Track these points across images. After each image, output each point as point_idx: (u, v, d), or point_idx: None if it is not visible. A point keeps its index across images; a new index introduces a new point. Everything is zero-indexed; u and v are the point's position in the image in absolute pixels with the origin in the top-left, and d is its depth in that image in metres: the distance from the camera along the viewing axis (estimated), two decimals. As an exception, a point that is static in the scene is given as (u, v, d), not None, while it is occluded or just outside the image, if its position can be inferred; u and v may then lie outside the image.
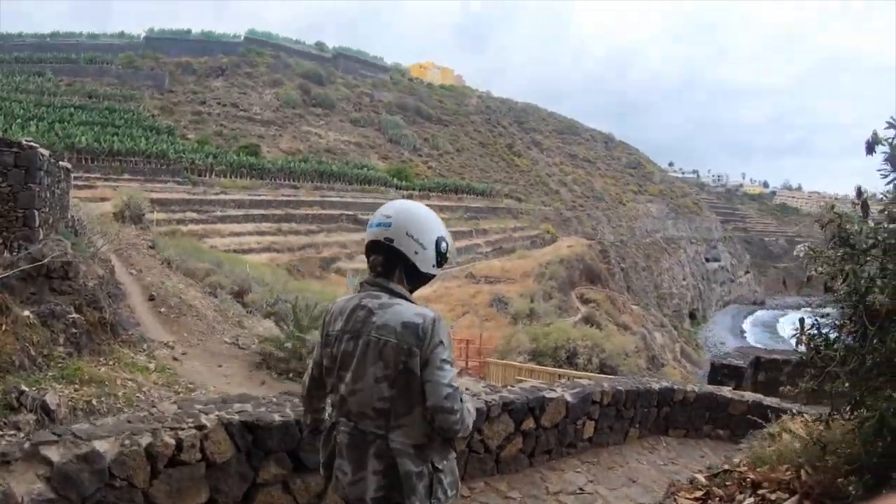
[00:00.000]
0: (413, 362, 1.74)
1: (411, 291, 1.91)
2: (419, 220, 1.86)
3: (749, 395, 6.12)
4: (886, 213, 1.71)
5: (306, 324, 6.93)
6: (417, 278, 1.91)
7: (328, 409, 2.01)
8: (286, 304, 8.10)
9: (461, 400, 1.79)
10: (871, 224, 1.84)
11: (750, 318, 59.70)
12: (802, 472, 2.09)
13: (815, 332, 1.84)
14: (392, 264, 1.85)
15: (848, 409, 1.78)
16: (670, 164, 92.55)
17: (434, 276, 1.93)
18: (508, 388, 4.34)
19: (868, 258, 1.75)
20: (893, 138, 1.77)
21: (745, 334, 52.38)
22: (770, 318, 60.13)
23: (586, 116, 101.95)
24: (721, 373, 8.71)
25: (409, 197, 35.21)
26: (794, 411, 3.93)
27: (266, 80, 51.90)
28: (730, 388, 6.92)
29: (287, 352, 6.77)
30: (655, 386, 5.49)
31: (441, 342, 1.77)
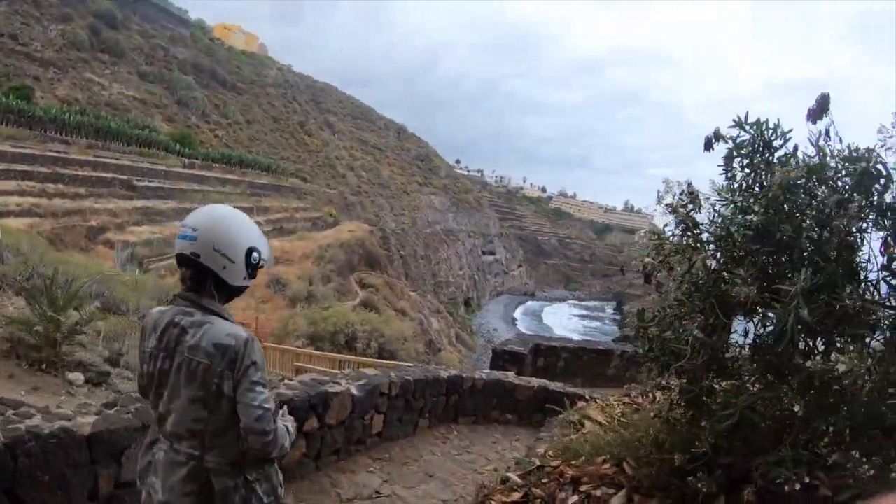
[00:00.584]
0: (226, 385, 1.70)
1: (225, 303, 1.84)
2: (226, 232, 1.76)
3: (535, 381, 6.33)
4: (734, 205, 1.69)
5: (62, 303, 5.55)
6: (229, 292, 1.83)
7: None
8: (42, 279, 6.49)
9: (274, 420, 1.75)
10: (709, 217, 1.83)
11: (521, 308, 64.21)
12: (626, 465, 2.04)
13: (658, 324, 1.77)
14: (201, 278, 1.77)
15: (683, 401, 1.74)
16: (457, 162, 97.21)
17: (247, 286, 1.85)
18: (286, 382, 3.88)
19: (713, 248, 1.72)
20: (736, 137, 1.77)
21: (517, 322, 56.15)
22: (538, 307, 65.78)
23: (385, 106, 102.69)
24: (503, 358, 9.02)
25: (191, 166, 32.21)
26: (588, 396, 4.10)
27: (55, 14, 42.63)
28: (513, 373, 7.16)
29: (39, 337, 5.35)
30: (444, 374, 5.41)
31: (253, 363, 1.72)
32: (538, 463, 2.54)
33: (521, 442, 5.02)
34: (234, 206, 1.91)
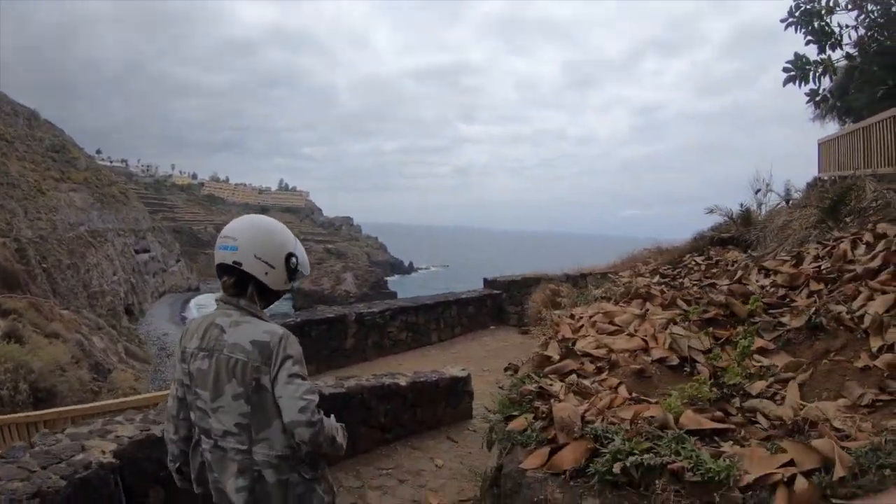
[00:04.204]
0: (264, 378, 1.81)
1: (266, 307, 1.99)
2: (265, 240, 1.92)
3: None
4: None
5: None
6: (270, 296, 1.99)
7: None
8: None
9: (319, 411, 1.82)
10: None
11: (191, 304, 61.98)
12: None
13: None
14: (243, 284, 1.92)
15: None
16: (98, 152, 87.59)
17: (288, 290, 2.01)
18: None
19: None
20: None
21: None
22: (206, 302, 61.46)
23: (12, 88, 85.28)
24: None
25: None
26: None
27: None
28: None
29: None
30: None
31: (289, 356, 1.82)
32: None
33: None
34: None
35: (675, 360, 3.22)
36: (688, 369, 3.16)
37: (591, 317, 4.11)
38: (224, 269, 1.94)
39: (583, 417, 2.30)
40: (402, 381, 5.45)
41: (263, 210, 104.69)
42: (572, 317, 4.27)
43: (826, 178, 9.06)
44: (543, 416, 2.44)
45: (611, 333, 3.71)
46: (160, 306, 61.23)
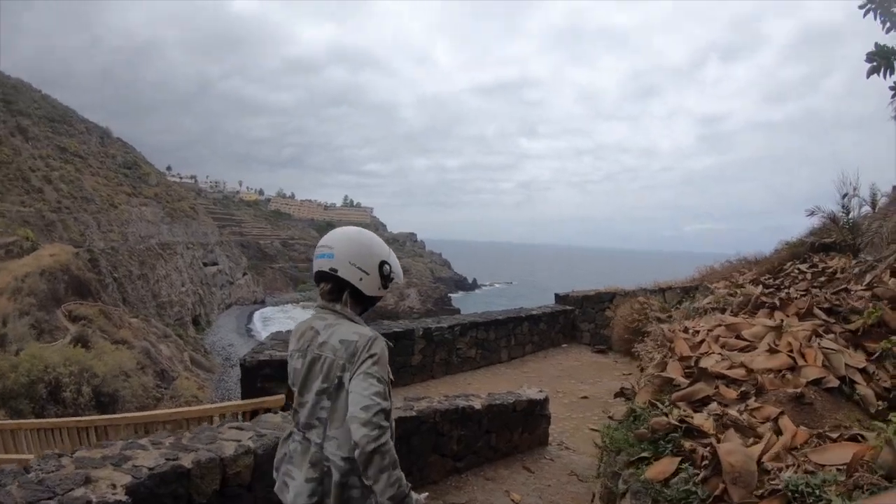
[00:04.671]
0: (346, 376, 1.87)
1: (362, 312, 2.07)
2: (360, 248, 2.02)
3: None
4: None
5: None
6: (365, 301, 2.07)
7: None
8: None
9: (386, 419, 1.79)
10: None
11: (256, 316, 62.75)
12: None
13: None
14: (339, 290, 2.02)
15: None
16: (168, 168, 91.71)
17: (381, 297, 2.08)
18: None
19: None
20: None
21: (254, 332, 53.89)
22: (272, 314, 64.97)
23: (86, 109, 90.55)
24: (261, 374, 6.59)
25: None
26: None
27: None
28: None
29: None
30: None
31: (372, 356, 1.84)
32: None
33: None
34: None
35: (832, 381, 2.51)
36: (847, 390, 2.48)
37: (710, 330, 3.41)
38: (321, 276, 2.02)
39: (759, 463, 1.65)
40: (477, 404, 4.94)
41: (329, 225, 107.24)
42: (686, 330, 3.59)
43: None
44: (703, 461, 1.79)
45: (742, 349, 3.02)
46: (226, 318, 62.43)
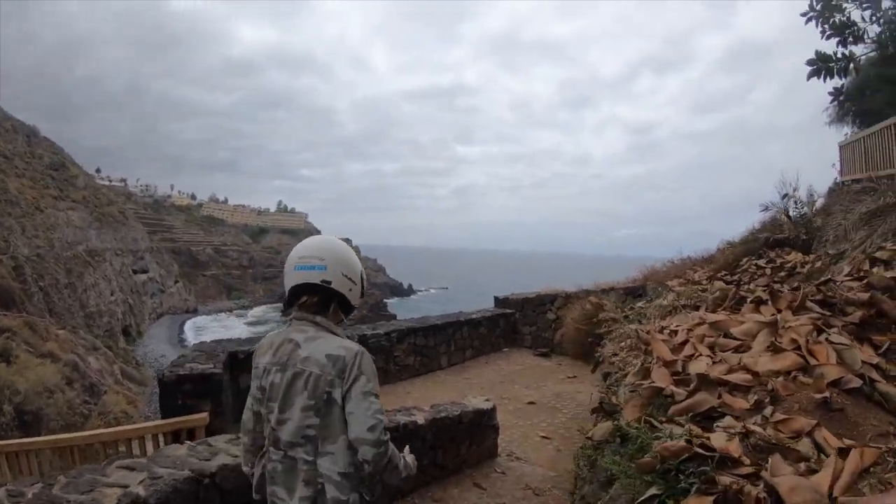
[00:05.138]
0: (336, 392, 1.83)
1: (339, 323, 2.02)
2: (348, 258, 2.00)
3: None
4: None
5: None
6: (347, 312, 2.05)
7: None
8: None
9: (385, 430, 1.82)
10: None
11: (187, 326, 61.17)
12: None
13: None
14: (327, 303, 1.97)
15: None
16: (97, 171, 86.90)
17: (357, 307, 2.07)
18: None
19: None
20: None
21: (186, 342, 52.28)
22: (205, 323, 63.39)
23: (14, 106, 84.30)
24: (182, 391, 5.92)
25: None
26: None
27: None
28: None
29: None
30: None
31: (363, 373, 1.83)
32: None
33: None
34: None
35: (853, 381, 2.12)
36: (867, 390, 2.12)
37: (690, 329, 2.98)
38: (307, 289, 1.94)
39: (832, 499, 1.17)
40: (420, 419, 4.47)
41: (262, 231, 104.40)
42: (661, 330, 3.15)
43: (853, 179, 8.83)
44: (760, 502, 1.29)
45: (735, 350, 2.57)
46: (158, 327, 60.22)
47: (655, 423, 1.95)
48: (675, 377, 2.39)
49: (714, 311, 3.37)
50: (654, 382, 2.30)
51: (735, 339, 2.68)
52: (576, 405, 8.10)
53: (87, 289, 51.67)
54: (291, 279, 1.96)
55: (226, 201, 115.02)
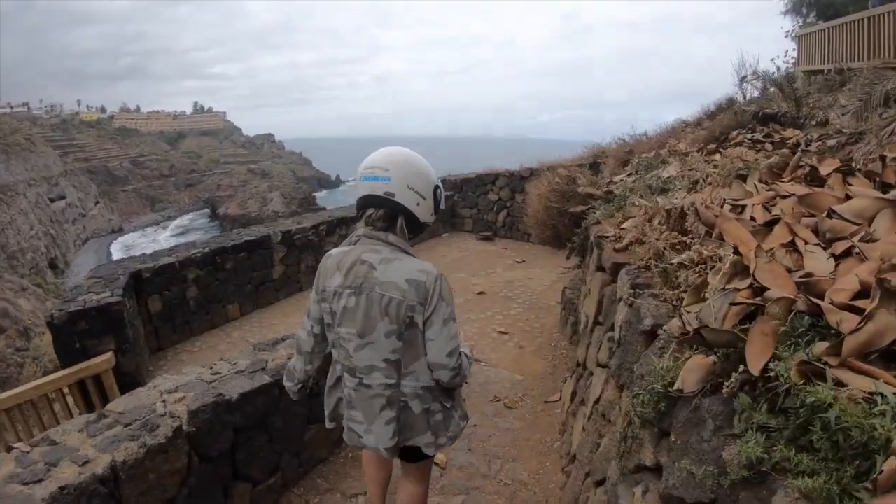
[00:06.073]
0: (417, 317, 1.82)
1: (410, 240, 1.94)
2: (418, 170, 1.85)
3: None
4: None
5: None
6: (418, 228, 1.93)
7: (330, 364, 2.08)
8: None
9: (460, 354, 1.88)
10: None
11: (114, 248, 58.59)
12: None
13: None
14: (393, 217, 1.87)
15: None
16: None
17: (430, 224, 1.97)
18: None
19: None
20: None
21: None
22: (133, 240, 60.82)
23: None
24: (76, 331, 4.92)
25: None
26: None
27: None
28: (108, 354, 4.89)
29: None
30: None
31: (443, 299, 1.83)
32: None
33: None
34: None
35: None
36: None
37: (765, 206, 2.16)
38: (372, 201, 1.86)
39: None
40: None
41: (180, 136, 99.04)
42: (721, 205, 2.32)
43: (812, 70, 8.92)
44: None
45: (860, 238, 1.77)
46: (85, 255, 57.65)
47: (827, 373, 1.15)
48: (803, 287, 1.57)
49: (769, 184, 2.54)
50: (778, 293, 1.49)
51: (846, 220, 1.87)
52: (529, 294, 7.62)
53: (3, 228, 48.48)
54: (358, 190, 1.88)
55: (138, 110, 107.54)
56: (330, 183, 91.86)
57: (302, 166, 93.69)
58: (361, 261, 1.86)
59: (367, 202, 1.87)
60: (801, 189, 2.18)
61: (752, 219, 2.11)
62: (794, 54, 10.76)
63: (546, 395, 4.75)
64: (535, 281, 8.14)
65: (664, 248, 2.25)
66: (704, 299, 1.73)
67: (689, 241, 2.20)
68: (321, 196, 74.25)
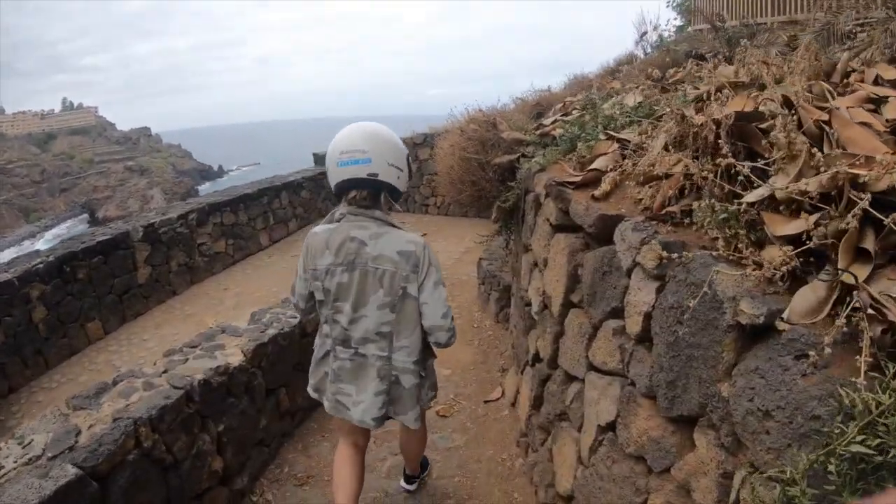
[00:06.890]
0: (410, 287, 1.87)
1: (390, 210, 1.99)
2: (394, 144, 1.89)
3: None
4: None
5: None
6: (398, 197, 1.98)
7: (323, 339, 2.06)
8: None
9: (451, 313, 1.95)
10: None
11: None
12: None
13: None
14: (377, 195, 1.92)
15: None
16: None
17: (404, 191, 1.99)
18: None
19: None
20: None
21: None
22: (11, 255, 54.98)
23: None
24: None
25: None
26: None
27: None
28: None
29: None
30: None
31: (432, 265, 1.89)
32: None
33: None
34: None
35: None
36: None
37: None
38: (353, 184, 1.87)
39: None
40: (235, 355, 2.98)
41: (50, 137, 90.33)
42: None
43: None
44: None
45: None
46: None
47: None
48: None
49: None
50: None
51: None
52: (443, 271, 6.70)
53: None
54: (336, 175, 1.87)
55: (2, 112, 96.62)
56: (213, 174, 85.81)
57: (182, 159, 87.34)
58: (351, 238, 1.87)
59: (347, 185, 1.87)
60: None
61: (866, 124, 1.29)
62: (678, 22, 10.65)
63: (483, 392, 3.86)
64: (442, 255, 7.20)
65: (713, 181, 1.38)
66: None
67: (756, 165, 1.33)
68: (204, 188, 71.05)
